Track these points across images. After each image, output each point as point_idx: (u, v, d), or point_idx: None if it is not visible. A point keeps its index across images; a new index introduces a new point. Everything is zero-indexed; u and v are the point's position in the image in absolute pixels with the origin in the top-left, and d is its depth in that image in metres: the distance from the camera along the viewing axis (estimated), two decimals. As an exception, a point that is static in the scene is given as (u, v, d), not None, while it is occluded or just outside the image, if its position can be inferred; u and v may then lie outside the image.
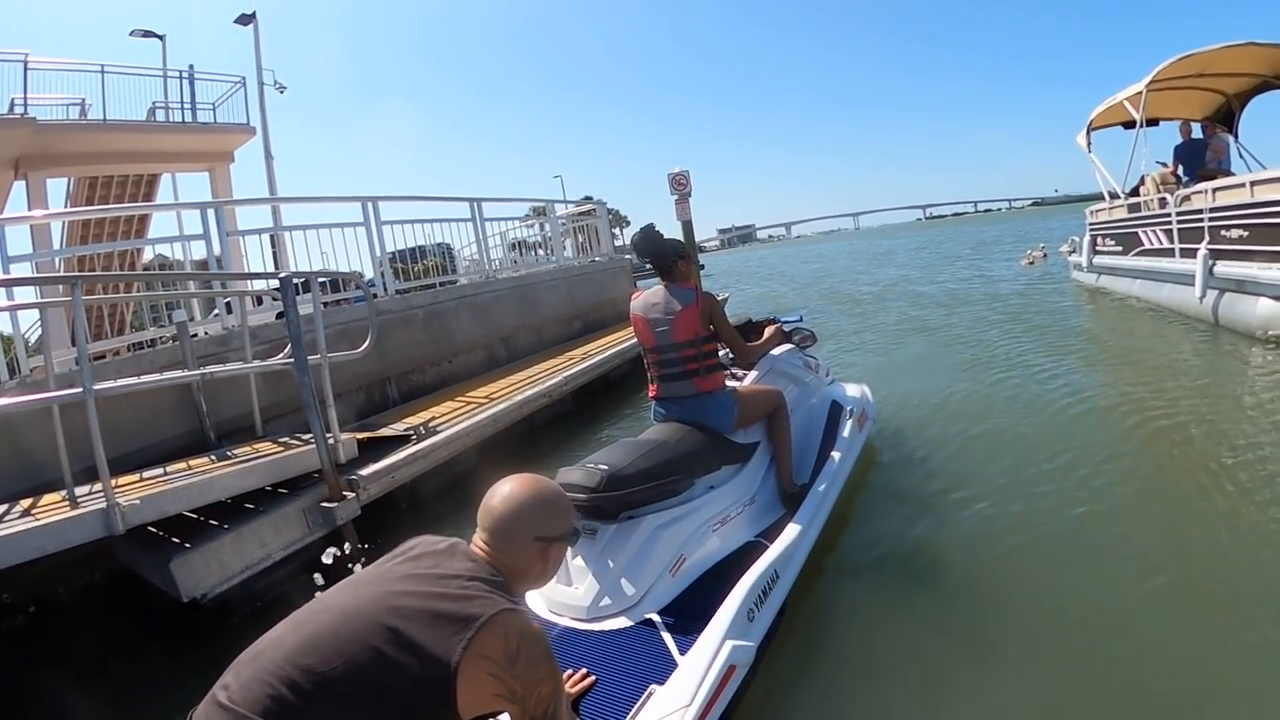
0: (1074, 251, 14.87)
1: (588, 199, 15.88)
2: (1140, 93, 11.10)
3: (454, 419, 6.75)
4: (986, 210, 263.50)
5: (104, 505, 4.01)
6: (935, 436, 6.01)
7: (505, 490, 2.01)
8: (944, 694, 2.94)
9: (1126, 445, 5.37)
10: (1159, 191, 10.84)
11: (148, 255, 14.59)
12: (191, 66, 15.41)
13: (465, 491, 6.02)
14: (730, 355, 4.57)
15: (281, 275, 5.30)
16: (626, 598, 3.22)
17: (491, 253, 11.95)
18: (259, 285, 9.74)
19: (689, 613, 3.13)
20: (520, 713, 1.75)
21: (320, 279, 7.11)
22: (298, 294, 5.29)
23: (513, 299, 10.90)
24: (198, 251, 7.61)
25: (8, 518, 4.17)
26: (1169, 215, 9.73)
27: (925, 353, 10.07)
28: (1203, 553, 3.73)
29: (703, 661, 2.77)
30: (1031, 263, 20.69)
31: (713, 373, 4.03)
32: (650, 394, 4.24)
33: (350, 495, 5.07)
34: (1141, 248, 11.03)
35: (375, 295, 8.39)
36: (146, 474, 4.90)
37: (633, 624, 3.12)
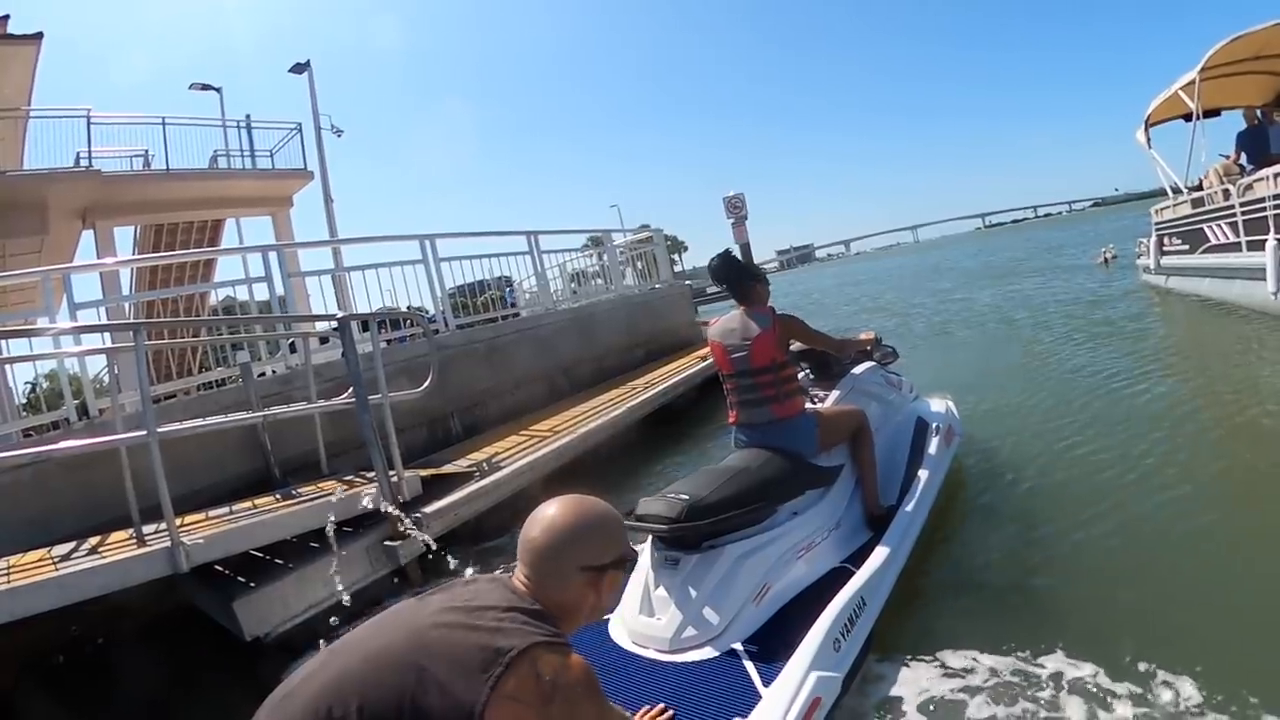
0: (1143, 254, 14.37)
1: (645, 226, 15.85)
2: (1193, 81, 10.72)
3: (517, 453, 6.69)
4: (1046, 214, 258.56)
5: (169, 544, 4.04)
6: (1023, 450, 5.85)
7: (544, 517, 1.73)
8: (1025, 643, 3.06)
9: (1216, 455, 5.22)
10: (1222, 183, 10.34)
11: (218, 297, 14.98)
12: (249, 116, 15.85)
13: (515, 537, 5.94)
14: (811, 376, 4.62)
15: (340, 316, 5.32)
16: (710, 628, 3.16)
17: (551, 284, 11.96)
18: (322, 325, 9.89)
19: (774, 642, 3.08)
20: None
21: (380, 318, 7.15)
22: (363, 331, 5.31)
23: (573, 329, 10.87)
24: (262, 293, 7.71)
25: (76, 555, 4.25)
26: (1233, 207, 9.34)
27: (1004, 364, 9.90)
28: None
29: (787, 695, 2.69)
30: (1105, 261, 20.46)
31: (791, 398, 3.99)
32: (730, 420, 4.24)
33: (414, 533, 5.01)
34: (1208, 244, 10.60)
35: (436, 331, 8.41)
36: (212, 513, 4.94)
37: (717, 655, 3.06)
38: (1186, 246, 11.63)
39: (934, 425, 4.91)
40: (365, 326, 6.58)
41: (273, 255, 7.59)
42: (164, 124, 14.27)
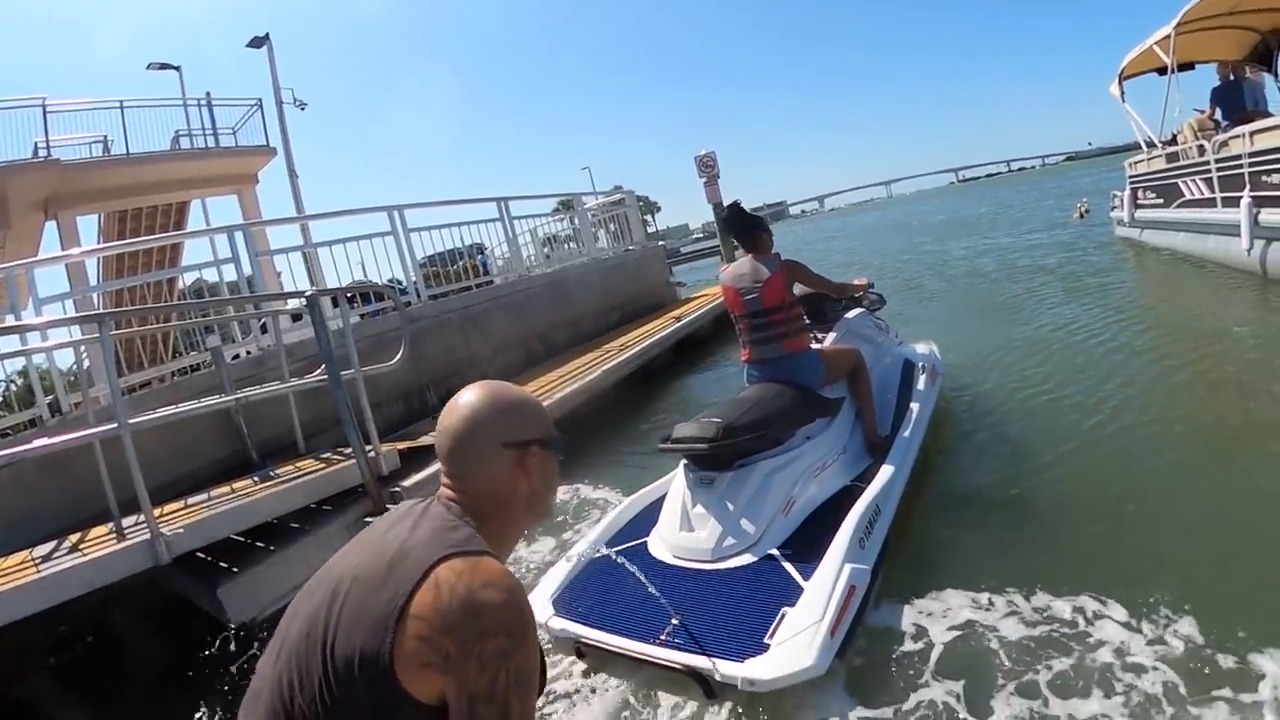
0: (1117, 208, 14.45)
1: (617, 188, 15.82)
2: (1169, 36, 10.68)
3: (494, 423, 6.70)
4: (1020, 169, 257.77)
5: (148, 536, 4.04)
6: (1002, 392, 6.34)
7: (459, 403, 1.50)
8: (1029, 602, 3.33)
9: (1185, 400, 5.62)
10: (1197, 139, 10.40)
11: (187, 281, 14.82)
12: (209, 94, 15.65)
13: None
14: (807, 320, 4.82)
15: (308, 292, 5.30)
16: (748, 536, 3.65)
17: (523, 250, 11.93)
18: (294, 303, 9.84)
19: (805, 547, 3.55)
20: (456, 688, 1.19)
21: (350, 292, 7.11)
22: (334, 307, 5.31)
23: (547, 295, 10.86)
24: (231, 275, 7.66)
25: (56, 554, 4.22)
26: (1208, 163, 9.37)
27: (977, 315, 10.20)
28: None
29: (827, 583, 3.19)
30: (1080, 215, 20.55)
31: (799, 335, 4.51)
32: (743, 358, 4.75)
33: (393, 507, 5.05)
34: (1182, 199, 10.62)
35: (408, 303, 8.40)
36: (191, 500, 4.92)
37: (756, 559, 3.56)
38: (1161, 200, 11.67)
39: (920, 365, 5.52)
40: (336, 302, 6.57)
41: (239, 235, 7.47)
42: (122, 107, 14.06)
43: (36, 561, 4.13)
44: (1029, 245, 17.28)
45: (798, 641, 2.96)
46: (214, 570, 4.50)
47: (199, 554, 4.49)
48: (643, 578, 3.56)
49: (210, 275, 7.99)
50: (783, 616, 3.10)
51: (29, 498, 5.11)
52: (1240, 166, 8.35)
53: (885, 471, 4.10)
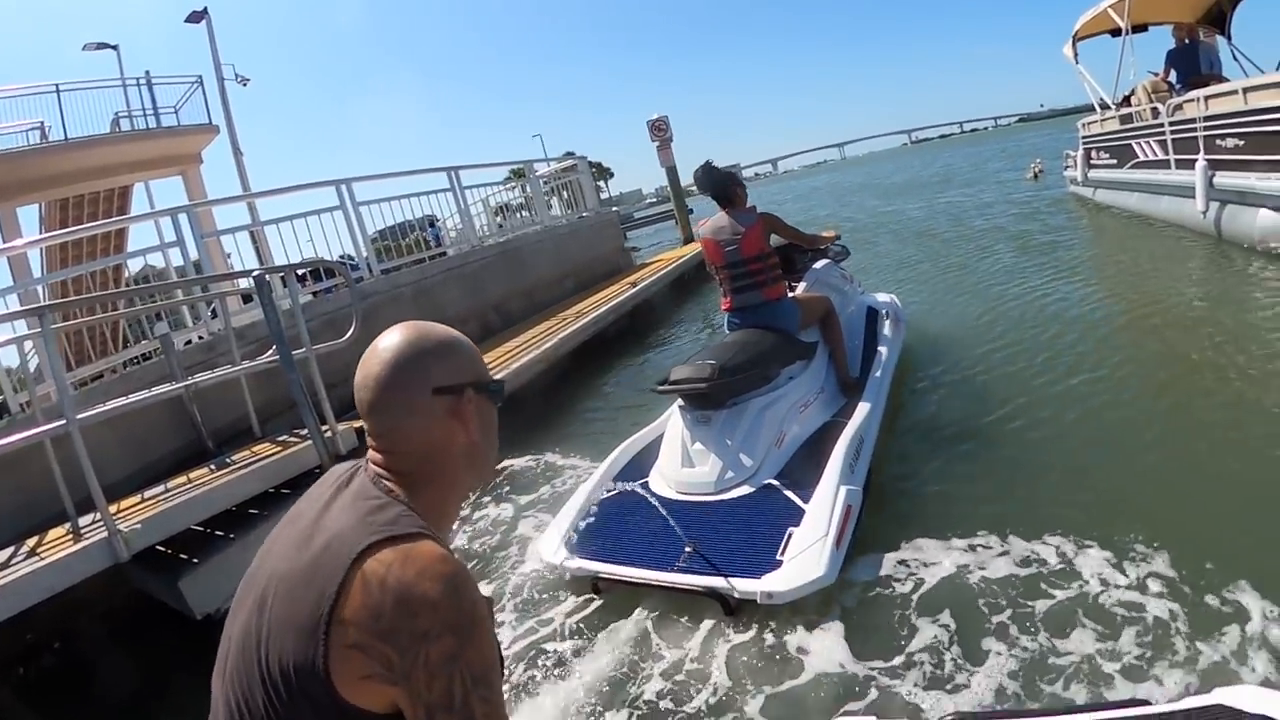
0: (1070, 167, 14.62)
1: (569, 155, 15.71)
2: None
3: (450, 394, 6.69)
4: (973, 130, 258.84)
5: (106, 535, 4.00)
6: (960, 344, 6.70)
7: (378, 348, 1.25)
8: (992, 514, 3.75)
9: (1132, 348, 5.98)
10: (1151, 101, 10.51)
11: (135, 268, 14.45)
12: (148, 72, 15.20)
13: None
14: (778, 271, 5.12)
15: (255, 271, 5.25)
16: (746, 468, 4.02)
17: (476, 220, 11.85)
18: (245, 284, 9.70)
19: (800, 475, 3.91)
20: (409, 700, 1.03)
21: (301, 270, 7.03)
22: (285, 286, 5.26)
23: (501, 265, 10.82)
24: (179, 259, 7.53)
25: (14, 560, 4.12)
26: (1162, 125, 9.47)
27: (934, 269, 10.61)
28: (1195, 426, 4.48)
29: (826, 503, 3.57)
30: (1035, 175, 20.72)
31: (777, 283, 4.83)
32: (724, 307, 5.05)
33: (322, 476, 5.03)
34: (1136, 160, 10.77)
35: (359, 279, 8.34)
36: (148, 493, 4.85)
37: (756, 489, 3.90)
38: (1114, 161, 11.83)
39: (884, 313, 5.90)
40: (286, 281, 6.51)
41: (183, 217, 7.33)
42: (58, 91, 13.65)
43: (-7, 569, 4.06)
44: (983, 204, 17.49)
45: (807, 555, 3.34)
46: (175, 563, 4.46)
47: (159, 548, 4.45)
48: (653, 511, 3.94)
49: (158, 260, 7.87)
50: (789, 536, 3.47)
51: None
52: (1194, 130, 8.43)
53: (863, 407, 4.50)
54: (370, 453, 1.28)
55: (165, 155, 15.16)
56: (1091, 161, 13.13)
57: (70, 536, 4.28)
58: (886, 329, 5.71)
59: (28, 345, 6.94)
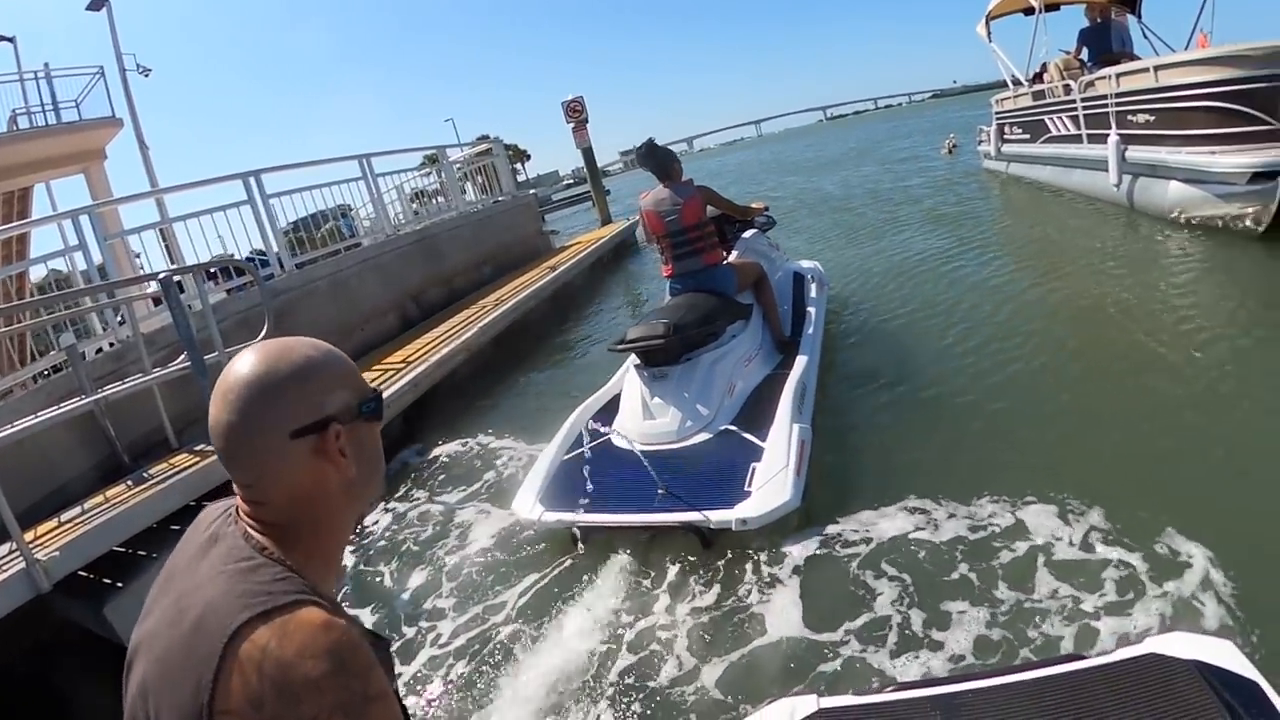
0: (984, 142, 14.95)
1: (483, 138, 15.53)
2: None
3: (372, 390, 6.64)
4: (887, 106, 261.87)
5: (24, 565, 3.85)
6: (880, 305, 7.36)
7: (224, 383, 1.05)
8: (917, 444, 4.47)
9: (1038, 305, 6.59)
10: (1063, 78, 10.78)
11: (33, 277, 13.65)
12: (46, 65, 14.56)
13: (389, 466, 6.01)
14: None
15: (160, 275, 5.11)
16: (704, 417, 4.40)
17: (391, 208, 11.69)
18: (153, 286, 9.41)
19: (753, 420, 4.31)
20: None
21: (211, 268, 6.87)
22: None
23: (417, 253, 10.73)
24: (84, 263, 7.25)
25: None
26: (1074, 101, 9.76)
27: (850, 241, 11.06)
28: (1100, 367, 5.14)
29: (783, 439, 3.95)
30: (950, 150, 21.07)
31: (714, 250, 5.26)
32: (665, 274, 5.43)
33: (200, 515, 4.94)
34: (1049, 134, 11.09)
35: (270, 275, 8.18)
36: (65, 516, 4.69)
37: (714, 435, 4.29)
38: (1027, 136, 12.15)
39: (808, 277, 6.40)
40: (210, 275, 6.33)
41: (85, 219, 7.07)
42: (-45, 92, 13.03)
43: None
44: (898, 178, 17.87)
45: (773, 484, 3.73)
46: (99, 588, 4.34)
47: (81, 573, 4.30)
48: (621, 461, 4.31)
49: (64, 265, 7.59)
50: (753, 470, 3.85)
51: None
52: (1106, 106, 8.73)
53: (801, 359, 4.91)
54: (237, 491, 1.11)
55: (67, 152, 14.53)
56: (1005, 137, 13.45)
57: (-12, 569, 4.14)
58: (813, 291, 6.16)
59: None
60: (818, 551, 3.62)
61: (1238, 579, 2.78)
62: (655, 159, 5.40)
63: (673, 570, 3.76)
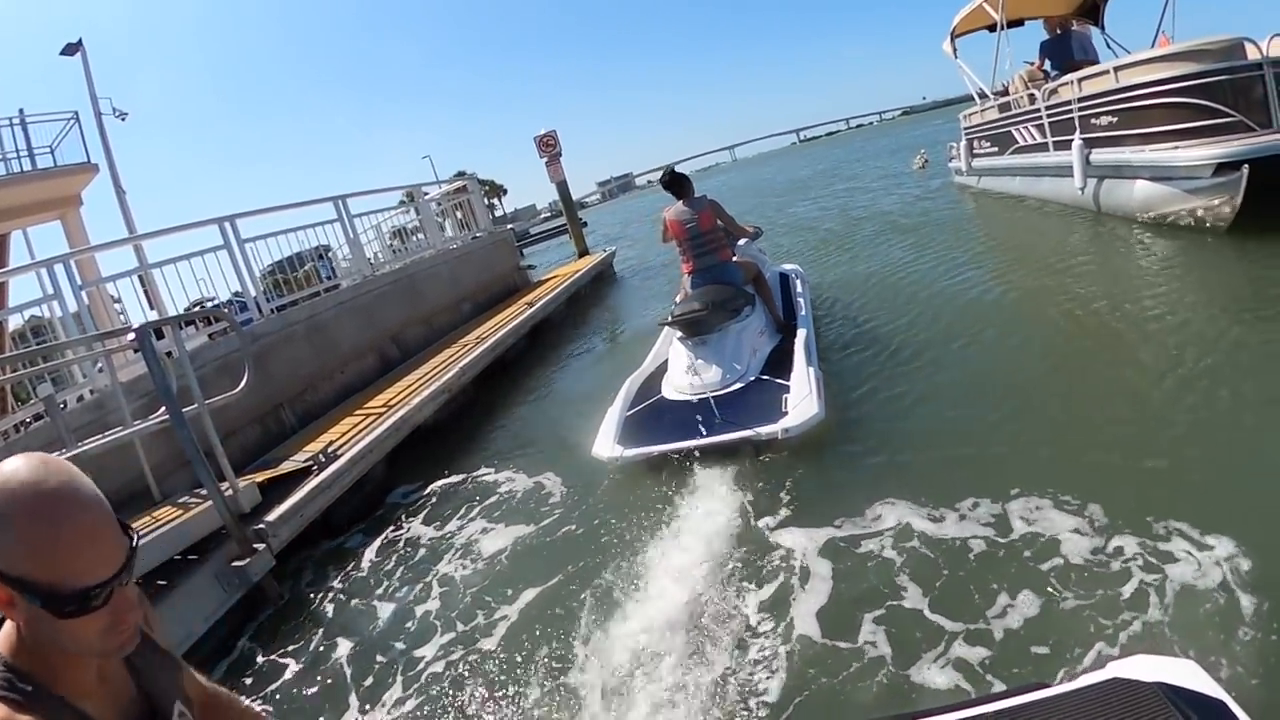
0: (955, 158, 15.12)
1: (460, 174, 15.62)
2: None
3: (355, 437, 6.66)
4: (859, 125, 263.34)
5: None
6: (854, 317, 7.95)
7: None
8: (899, 401, 5.44)
9: (1010, 307, 6.97)
10: (1027, 89, 11.00)
11: (11, 325, 13.45)
12: (21, 110, 14.36)
13: (379, 509, 6.02)
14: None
15: (134, 327, 5.08)
16: (738, 370, 5.66)
17: (369, 248, 11.70)
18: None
19: (776, 371, 5.58)
20: None
21: (186, 319, 6.85)
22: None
23: (395, 294, 10.69)
24: (61, 310, 7.21)
25: None
26: (1039, 110, 9.92)
27: (828, 259, 11.37)
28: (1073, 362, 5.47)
29: (804, 376, 5.28)
30: (921, 166, 21.29)
31: (724, 249, 6.52)
32: (686, 270, 6.61)
33: (260, 546, 4.96)
34: (1016, 145, 11.28)
35: (248, 320, 8.18)
36: None
37: (747, 383, 5.55)
38: (996, 148, 12.36)
39: (793, 275, 7.83)
40: (190, 322, 6.30)
41: (59, 268, 6.99)
42: (-70, 138, 12.92)
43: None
44: (871, 197, 18.13)
45: (804, 404, 4.98)
46: None
47: None
48: (679, 406, 5.54)
49: (48, 311, 7.55)
50: (785, 399, 5.11)
51: None
52: (1070, 111, 8.92)
53: (802, 331, 6.05)
54: None
55: (42, 199, 14.44)
56: (974, 151, 13.65)
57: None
58: (798, 287, 7.52)
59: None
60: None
61: (1197, 590, 2.84)
62: (675, 182, 6.69)
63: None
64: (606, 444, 5.40)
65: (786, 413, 4.95)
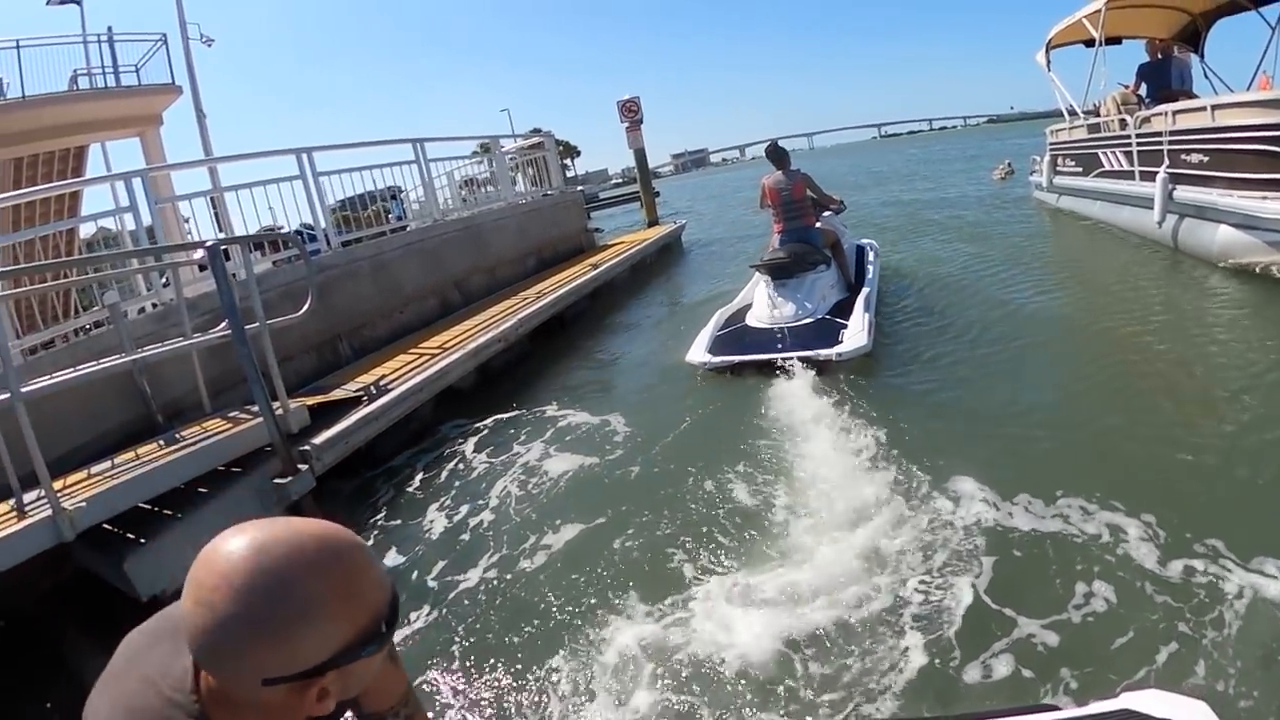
0: (1036, 172, 14.65)
1: (536, 131, 15.52)
2: (1099, 10, 10.73)
3: (407, 374, 6.70)
4: (942, 128, 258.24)
5: (50, 513, 3.89)
6: (921, 293, 8.67)
7: (203, 587, 0.88)
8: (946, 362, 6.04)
9: (1072, 327, 6.81)
10: (1119, 112, 10.51)
11: (83, 235, 13.74)
12: (110, 29, 14.54)
13: (420, 452, 6.01)
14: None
15: (208, 244, 5.11)
16: (810, 309, 7.00)
17: (440, 193, 11.71)
18: (199, 253, 9.44)
19: (840, 313, 6.86)
20: None
21: (255, 241, 6.90)
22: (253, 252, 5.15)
23: (463, 240, 10.73)
24: (133, 224, 7.32)
25: None
26: (1129, 137, 9.50)
27: (903, 255, 11.17)
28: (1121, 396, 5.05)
29: (860, 318, 6.56)
30: (1002, 176, 20.68)
31: (811, 215, 7.69)
32: (776, 230, 7.69)
33: (304, 467, 4.99)
34: (1101, 169, 10.83)
35: (316, 251, 8.23)
36: (95, 469, 4.74)
37: (818, 319, 6.88)
38: (1080, 169, 11.89)
39: (867, 247, 8.95)
40: (258, 246, 6.36)
41: (138, 181, 7.06)
42: (18, 47, 13.14)
43: (-66, 550, 3.90)
44: (949, 201, 17.66)
45: (855, 337, 6.27)
46: (121, 542, 4.33)
47: (105, 526, 4.34)
48: (759, 330, 6.99)
49: (113, 222, 7.66)
50: (842, 333, 6.43)
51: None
52: (1160, 143, 8.49)
53: (866, 290, 7.37)
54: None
55: (124, 116, 14.63)
56: (1057, 168, 13.19)
57: (13, 514, 4.14)
58: (870, 256, 8.65)
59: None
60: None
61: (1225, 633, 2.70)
62: (777, 154, 7.88)
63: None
64: (699, 352, 6.80)
65: (842, 341, 6.27)
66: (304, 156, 8.56)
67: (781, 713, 2.73)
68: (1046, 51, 13.21)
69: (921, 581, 3.26)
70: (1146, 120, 9.18)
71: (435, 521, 4.93)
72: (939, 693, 2.70)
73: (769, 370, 6.28)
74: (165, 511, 4.56)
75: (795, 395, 5.73)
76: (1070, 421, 4.65)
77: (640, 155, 18.60)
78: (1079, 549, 3.27)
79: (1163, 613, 2.82)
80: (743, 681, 2.89)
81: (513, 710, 3.06)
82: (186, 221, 11.31)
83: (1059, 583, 3.10)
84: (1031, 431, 4.59)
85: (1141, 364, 5.44)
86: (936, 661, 2.83)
